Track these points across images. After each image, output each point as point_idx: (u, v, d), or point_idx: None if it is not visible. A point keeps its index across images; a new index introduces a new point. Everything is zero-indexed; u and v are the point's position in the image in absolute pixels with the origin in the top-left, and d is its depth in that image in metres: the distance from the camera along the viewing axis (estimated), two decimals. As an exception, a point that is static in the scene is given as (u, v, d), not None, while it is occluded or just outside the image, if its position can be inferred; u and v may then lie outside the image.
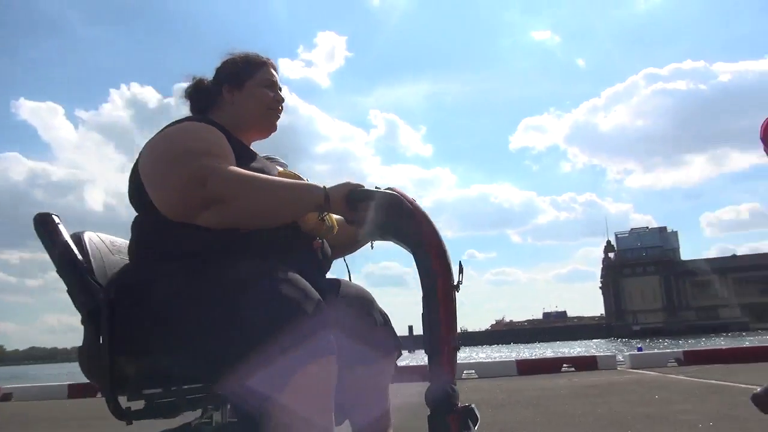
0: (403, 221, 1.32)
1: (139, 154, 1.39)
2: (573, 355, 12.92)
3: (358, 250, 1.72)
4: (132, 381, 1.21)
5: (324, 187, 1.32)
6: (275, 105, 1.60)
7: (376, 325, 1.56)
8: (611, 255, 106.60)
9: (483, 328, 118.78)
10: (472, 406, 1.25)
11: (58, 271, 1.28)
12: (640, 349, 11.96)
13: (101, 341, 1.17)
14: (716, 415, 3.57)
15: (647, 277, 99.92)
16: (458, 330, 1.32)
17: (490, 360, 12.38)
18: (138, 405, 1.25)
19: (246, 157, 1.46)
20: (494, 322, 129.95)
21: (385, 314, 1.62)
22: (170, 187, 1.26)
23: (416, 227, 1.32)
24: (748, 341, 22.42)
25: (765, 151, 3.23)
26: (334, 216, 1.47)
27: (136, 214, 1.40)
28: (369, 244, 1.53)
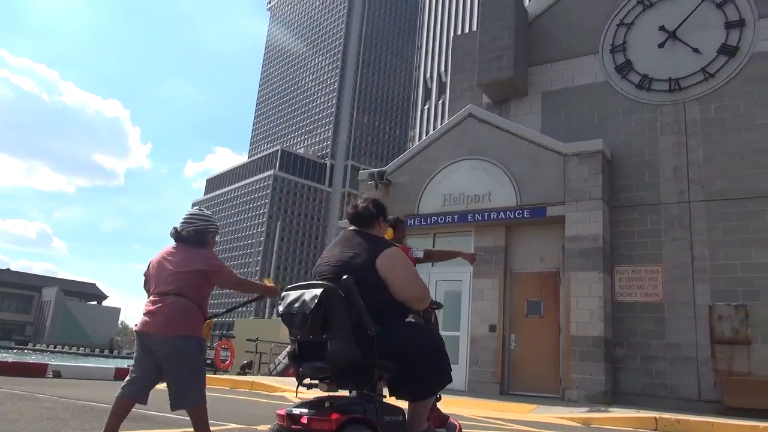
0: None
1: (378, 258, 2.76)
2: None
3: None
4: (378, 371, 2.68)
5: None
6: None
7: None
8: None
9: None
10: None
11: (361, 313, 2.65)
12: None
13: (374, 350, 2.63)
14: None
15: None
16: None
17: None
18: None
19: None
20: None
21: None
22: (415, 290, 2.80)
23: None
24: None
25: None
26: None
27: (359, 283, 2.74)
28: None
